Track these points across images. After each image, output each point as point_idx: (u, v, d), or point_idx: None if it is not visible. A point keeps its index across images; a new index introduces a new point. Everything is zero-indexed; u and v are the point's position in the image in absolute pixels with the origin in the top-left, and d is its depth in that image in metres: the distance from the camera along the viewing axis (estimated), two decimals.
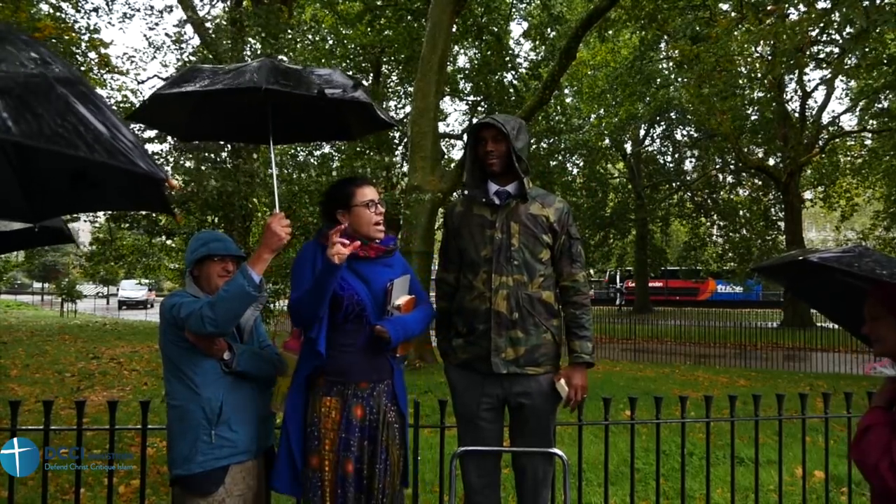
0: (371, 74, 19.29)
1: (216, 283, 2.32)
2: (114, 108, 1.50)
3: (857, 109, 20.04)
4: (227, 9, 11.69)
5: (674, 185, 27.34)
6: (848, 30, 10.83)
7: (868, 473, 1.57)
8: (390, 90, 20.72)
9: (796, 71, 18.94)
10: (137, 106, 2.69)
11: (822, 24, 12.35)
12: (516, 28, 25.58)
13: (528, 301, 2.56)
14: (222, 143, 6.09)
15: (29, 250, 35.23)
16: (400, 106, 21.04)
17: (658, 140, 28.13)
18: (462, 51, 20.19)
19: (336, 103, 2.58)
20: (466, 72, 20.18)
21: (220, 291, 2.17)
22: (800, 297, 2.13)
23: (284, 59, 7.14)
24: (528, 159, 2.69)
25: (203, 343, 2.22)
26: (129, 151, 1.34)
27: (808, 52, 14.33)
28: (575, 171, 27.37)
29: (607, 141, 25.93)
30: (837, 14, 9.86)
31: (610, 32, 16.75)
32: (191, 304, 2.19)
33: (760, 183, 24.07)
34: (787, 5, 11.95)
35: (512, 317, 2.55)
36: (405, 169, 13.69)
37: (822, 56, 16.22)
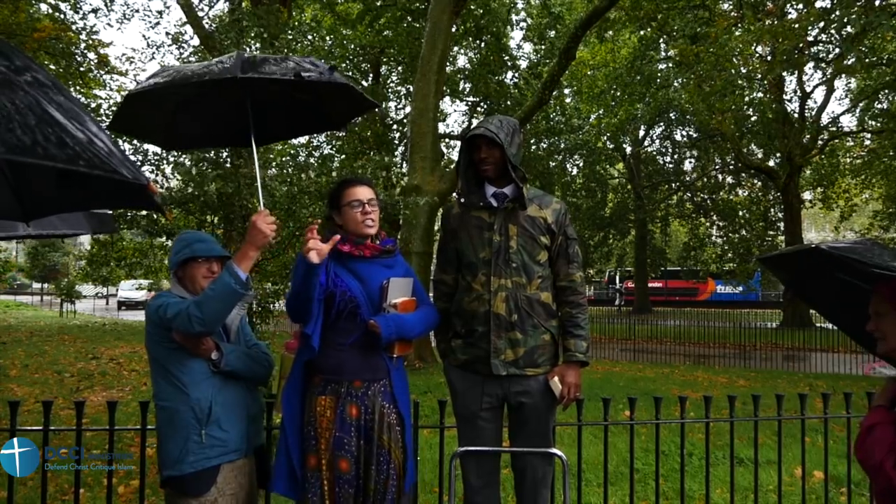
0: (371, 75, 19.30)
1: (201, 284, 2.31)
2: (82, 101, 1.50)
3: (857, 110, 20.07)
4: (226, 9, 11.69)
5: (673, 185, 27.35)
6: (847, 29, 10.84)
7: (872, 472, 1.57)
8: (390, 90, 20.72)
9: (795, 71, 18.96)
10: (113, 114, 2.66)
11: (821, 24, 12.35)
12: (516, 31, 25.64)
13: (526, 303, 2.56)
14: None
15: (31, 251, 35.26)
16: (400, 106, 21.06)
17: (657, 140, 28.16)
18: (462, 51, 20.20)
19: (315, 92, 2.58)
20: (466, 72, 20.19)
21: (207, 290, 2.16)
22: (799, 296, 2.11)
23: None
24: (520, 162, 2.68)
25: (190, 343, 2.21)
26: (108, 158, 1.33)
27: (807, 52, 14.33)
28: (575, 171, 27.40)
29: (607, 141, 25.95)
30: (837, 13, 9.86)
31: (610, 33, 16.75)
32: (177, 304, 2.18)
33: (760, 183, 24.09)
34: (786, 5, 11.96)
35: (511, 318, 2.55)
36: (405, 169, 13.68)
37: (821, 56, 16.23)
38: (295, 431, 2.32)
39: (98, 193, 2.11)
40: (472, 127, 2.68)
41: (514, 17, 19.73)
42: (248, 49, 6.25)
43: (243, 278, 2.13)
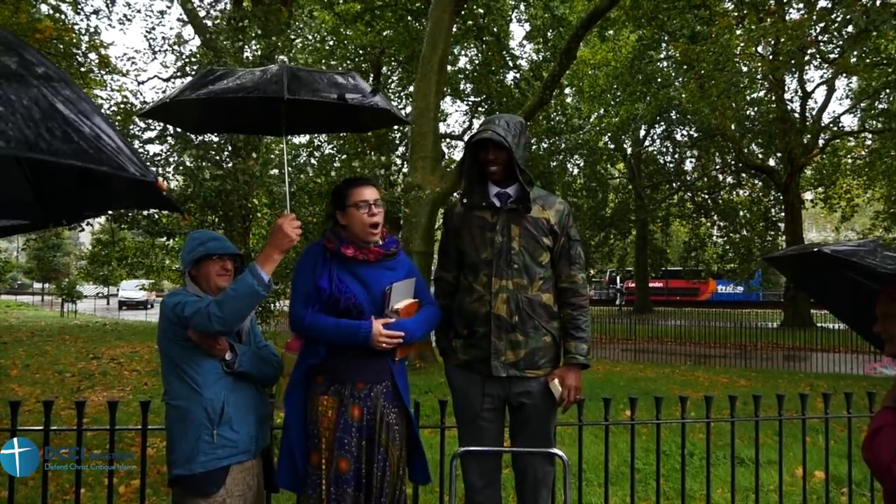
0: (371, 75, 19.29)
1: (215, 281, 2.32)
2: (92, 100, 1.48)
3: (858, 110, 20.04)
4: (226, 9, 11.68)
5: (674, 185, 27.33)
6: (849, 29, 10.83)
7: (880, 474, 1.57)
8: (390, 91, 20.72)
9: (797, 72, 18.94)
10: (155, 105, 2.68)
11: (823, 24, 12.33)
12: (518, 30, 25.75)
13: (528, 304, 2.56)
14: (223, 142, 6.09)
15: (32, 251, 35.29)
16: (400, 106, 21.05)
17: (658, 140, 28.12)
18: (463, 51, 20.19)
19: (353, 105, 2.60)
20: (467, 72, 20.17)
21: (229, 290, 2.16)
22: (807, 293, 2.10)
23: (284, 59, 7.14)
24: (528, 161, 2.67)
25: (206, 343, 2.22)
26: (115, 155, 1.32)
27: (809, 52, 14.31)
28: (575, 171, 27.38)
29: (608, 141, 25.90)
30: (839, 13, 9.84)
31: (610, 32, 16.74)
32: (195, 302, 2.19)
33: (760, 183, 24.07)
34: (787, 6, 11.95)
35: (512, 320, 2.54)
36: (405, 169, 13.70)
37: (823, 55, 16.19)
38: (298, 429, 2.35)
39: (117, 193, 2.11)
40: (477, 127, 2.64)
41: (515, 16, 19.74)
42: (247, 49, 6.26)
43: (266, 280, 2.14)
